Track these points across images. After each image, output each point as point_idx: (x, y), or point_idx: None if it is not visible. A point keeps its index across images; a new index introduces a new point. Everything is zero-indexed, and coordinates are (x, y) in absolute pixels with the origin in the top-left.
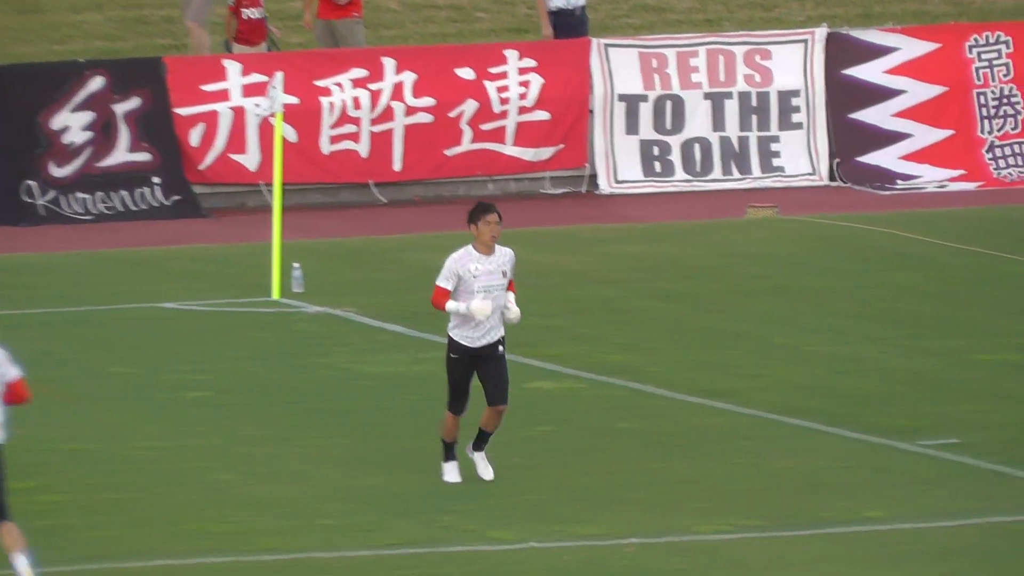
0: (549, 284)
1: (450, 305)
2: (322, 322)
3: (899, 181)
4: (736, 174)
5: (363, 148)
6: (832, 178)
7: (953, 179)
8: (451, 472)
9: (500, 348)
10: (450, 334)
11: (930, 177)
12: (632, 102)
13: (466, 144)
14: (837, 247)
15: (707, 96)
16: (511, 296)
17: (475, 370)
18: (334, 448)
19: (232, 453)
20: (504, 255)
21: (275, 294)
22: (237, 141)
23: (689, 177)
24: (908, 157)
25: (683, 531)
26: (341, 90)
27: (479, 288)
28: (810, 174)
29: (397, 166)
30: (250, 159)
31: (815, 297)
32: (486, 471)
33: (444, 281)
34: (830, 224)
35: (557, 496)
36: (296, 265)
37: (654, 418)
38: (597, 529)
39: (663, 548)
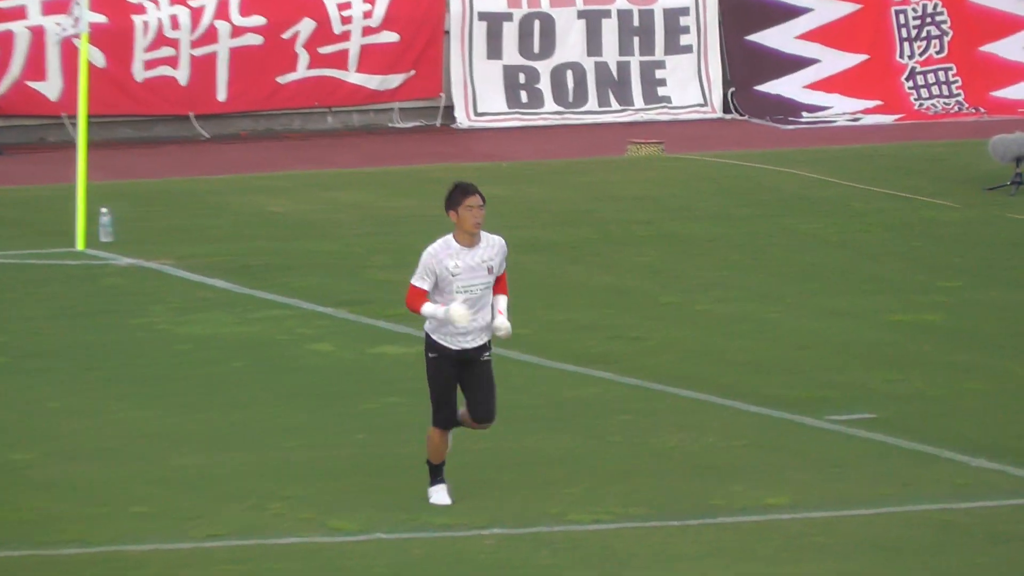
0: (399, 232)
1: (426, 309)
2: (135, 276)
3: (804, 113)
4: (615, 105)
5: (182, 75)
6: (726, 110)
7: (867, 111)
8: (439, 494)
9: (486, 354)
10: (426, 331)
11: (840, 109)
12: (494, 22)
13: (302, 70)
14: (731, 189)
15: (581, 15)
16: (502, 302)
17: (459, 379)
18: (149, 422)
19: (30, 428)
20: (491, 246)
21: (80, 244)
22: (35, 66)
23: (560, 109)
24: (814, 86)
25: (553, 520)
26: (157, 7)
27: (459, 288)
28: (701, 105)
29: (221, 96)
30: (51, 87)
31: (706, 248)
32: (445, 497)
33: (420, 280)
34: (723, 163)
35: (408, 479)
36: (104, 210)
37: (520, 389)
38: (453, 518)
39: (529, 540)
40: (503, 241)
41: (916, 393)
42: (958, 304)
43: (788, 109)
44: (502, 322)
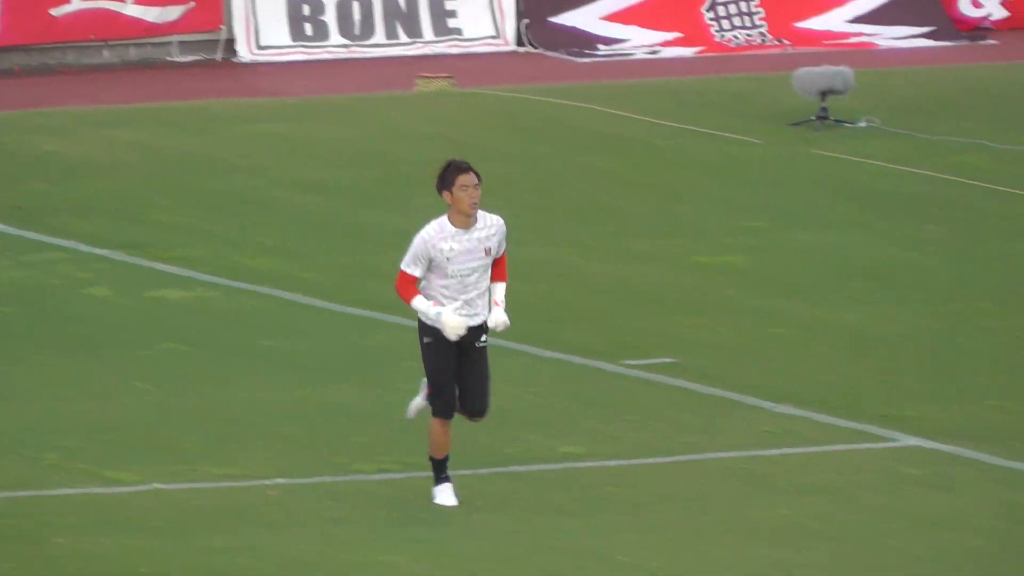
0: (175, 171)
1: (418, 304)
2: None
3: (601, 46)
4: (403, 38)
5: None
6: (519, 42)
7: (666, 43)
8: (445, 494)
9: (483, 337)
10: (419, 316)
11: (639, 41)
12: None
13: (76, 2)
14: (527, 126)
15: None
16: (500, 291)
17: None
18: None
19: None
20: (489, 226)
21: None
22: None
23: (346, 42)
24: (611, 17)
25: (337, 470)
26: None
27: (453, 272)
28: (493, 38)
29: None
30: None
31: (498, 187)
32: (451, 497)
33: (411, 266)
34: (518, 98)
35: (187, 430)
36: None
37: (305, 335)
38: (235, 469)
39: (315, 491)
40: (502, 221)
41: (719, 339)
42: (763, 246)
43: (584, 42)
44: (499, 316)
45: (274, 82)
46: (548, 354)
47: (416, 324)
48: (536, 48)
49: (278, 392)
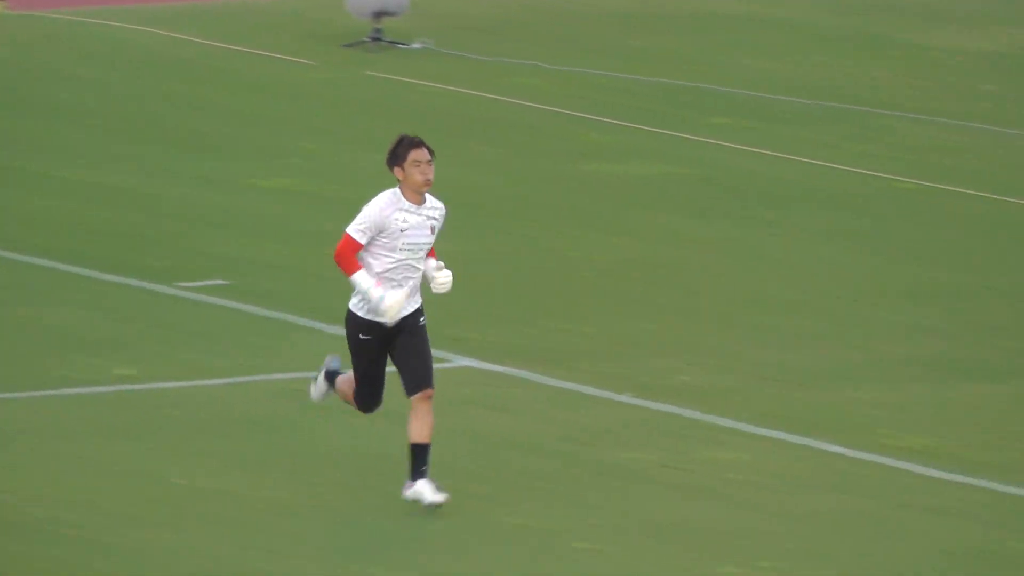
0: None
1: (359, 279)
2: None
3: None
4: None
5: None
6: None
7: None
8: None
9: (421, 318)
10: (353, 310)
11: None
12: None
13: None
14: (95, 52)
15: None
16: (432, 262)
17: (389, 350)
18: None
19: None
20: (435, 208)
21: None
22: None
23: None
24: None
25: None
26: None
27: (404, 245)
28: None
29: None
30: None
31: (70, 113)
32: (438, 494)
33: (359, 232)
34: (78, 22)
35: None
36: None
37: None
38: None
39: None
40: (444, 207)
41: (275, 260)
42: (318, 169)
43: None
44: (437, 272)
45: None
46: (108, 277)
47: (344, 320)
48: None
49: None
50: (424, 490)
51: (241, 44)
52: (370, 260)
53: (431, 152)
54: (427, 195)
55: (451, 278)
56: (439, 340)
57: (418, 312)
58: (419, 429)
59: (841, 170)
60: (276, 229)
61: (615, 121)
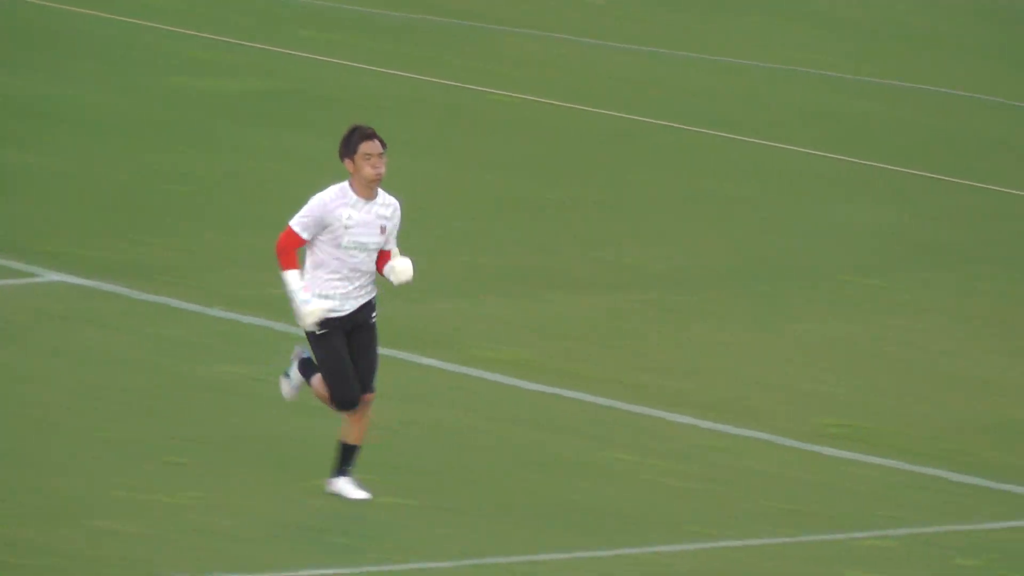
0: None
1: (290, 277)
2: None
3: None
4: None
5: None
6: None
7: None
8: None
9: (373, 315)
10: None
11: None
12: None
13: None
14: None
15: None
16: (396, 252)
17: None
18: None
19: None
20: (387, 205)
21: None
22: None
23: None
24: None
25: None
26: None
27: (348, 243)
28: None
29: None
30: None
31: None
32: (359, 491)
33: (301, 226)
34: None
35: None
36: None
37: None
38: None
39: None
40: (398, 205)
41: None
42: None
43: None
44: (398, 263)
45: None
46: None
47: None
48: None
49: None
50: (345, 487)
51: None
52: (318, 256)
53: (383, 144)
54: (380, 190)
55: (410, 265)
56: (29, 256)
57: (370, 307)
58: (352, 431)
59: (437, 83)
60: None
61: (219, 37)
